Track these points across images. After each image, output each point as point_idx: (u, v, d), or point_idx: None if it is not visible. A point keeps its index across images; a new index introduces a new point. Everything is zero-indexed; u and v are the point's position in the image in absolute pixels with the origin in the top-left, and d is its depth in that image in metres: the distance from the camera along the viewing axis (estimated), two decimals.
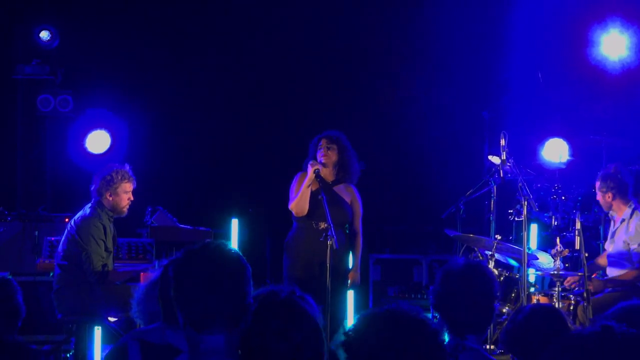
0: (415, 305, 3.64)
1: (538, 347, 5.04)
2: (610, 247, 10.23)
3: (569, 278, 9.70)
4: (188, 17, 13.20)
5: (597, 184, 10.14)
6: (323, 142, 9.52)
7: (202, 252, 3.82)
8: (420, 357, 3.49)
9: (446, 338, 4.32)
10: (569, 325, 5.48)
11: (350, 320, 11.10)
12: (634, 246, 9.88)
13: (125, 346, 4.85)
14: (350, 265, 9.80)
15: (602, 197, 10.11)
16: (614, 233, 10.19)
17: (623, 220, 10.06)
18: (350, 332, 3.61)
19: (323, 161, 9.50)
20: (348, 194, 9.68)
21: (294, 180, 9.59)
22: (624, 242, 9.97)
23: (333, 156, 9.53)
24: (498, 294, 5.00)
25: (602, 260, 10.47)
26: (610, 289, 9.96)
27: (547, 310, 5.50)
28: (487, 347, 9.02)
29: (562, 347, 2.94)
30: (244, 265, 3.86)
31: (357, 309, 11.65)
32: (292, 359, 3.84)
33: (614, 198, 10.05)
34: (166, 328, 4.81)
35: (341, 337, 3.65)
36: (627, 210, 10.05)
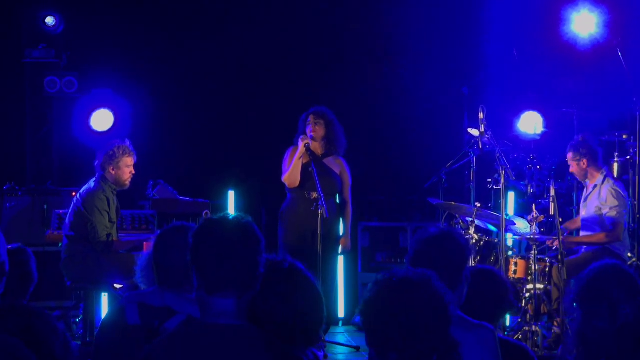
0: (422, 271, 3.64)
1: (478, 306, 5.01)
2: (583, 211, 10.25)
3: (549, 241, 9.73)
4: (186, 2, 13.15)
5: (570, 154, 10.13)
6: (311, 117, 9.56)
7: (221, 221, 3.80)
8: (427, 318, 3.49)
9: None
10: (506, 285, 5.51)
11: (340, 284, 11.13)
12: (605, 210, 9.89)
13: (123, 308, 4.83)
14: (341, 232, 9.82)
15: (577, 165, 10.09)
16: (586, 198, 10.19)
17: (595, 186, 10.06)
18: (365, 299, 3.65)
19: (312, 136, 9.51)
20: (337, 165, 9.70)
21: (286, 154, 9.61)
22: (596, 207, 9.98)
23: (320, 131, 9.56)
24: (469, 257, 4.96)
25: (571, 225, 10.49)
26: (582, 250, 9.98)
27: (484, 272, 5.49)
28: None
29: (629, 308, 2.91)
30: (258, 237, 3.82)
31: (347, 273, 11.68)
32: (294, 321, 3.88)
33: (588, 165, 10.05)
34: (164, 291, 4.79)
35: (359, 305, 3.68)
36: (599, 177, 10.06)
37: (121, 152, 9.22)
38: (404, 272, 3.65)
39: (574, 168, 10.18)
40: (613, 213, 9.83)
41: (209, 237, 3.74)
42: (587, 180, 10.16)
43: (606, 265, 4.55)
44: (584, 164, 10.06)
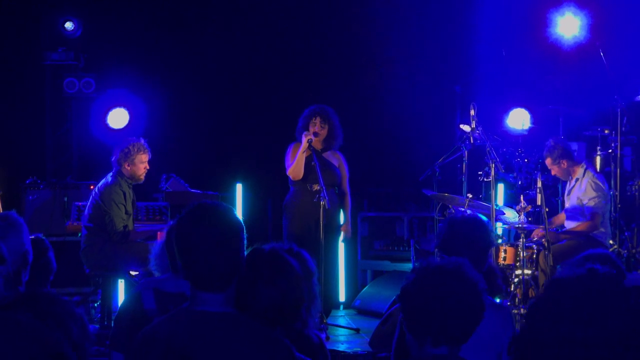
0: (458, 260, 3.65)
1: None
2: (567, 202, 10.31)
3: (535, 231, 9.78)
4: (196, 6, 13.19)
5: (548, 160, 10.20)
6: (318, 119, 9.58)
7: (194, 215, 3.71)
8: (461, 303, 3.53)
9: None
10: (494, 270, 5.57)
11: (341, 271, 11.19)
12: (585, 201, 9.96)
13: (140, 294, 4.88)
14: (342, 221, 9.87)
15: (558, 167, 10.17)
16: (569, 191, 10.25)
17: (577, 179, 10.12)
18: (404, 287, 3.66)
19: (321, 133, 9.57)
20: (335, 159, 9.77)
21: (289, 149, 9.66)
22: (577, 198, 10.04)
23: (325, 131, 9.63)
24: (493, 241, 5.06)
25: (559, 218, 10.53)
26: (566, 239, 10.03)
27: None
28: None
29: (552, 288, 2.96)
30: (240, 227, 3.73)
31: (347, 260, 11.73)
32: (278, 301, 3.90)
33: (568, 164, 10.12)
34: (178, 278, 4.84)
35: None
36: (580, 170, 10.12)
37: (136, 150, 9.28)
38: (439, 261, 3.68)
39: (555, 171, 10.26)
40: (592, 204, 9.90)
41: (185, 233, 3.68)
42: (570, 176, 10.23)
43: (594, 253, 4.63)
44: (563, 164, 10.13)
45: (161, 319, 3.79)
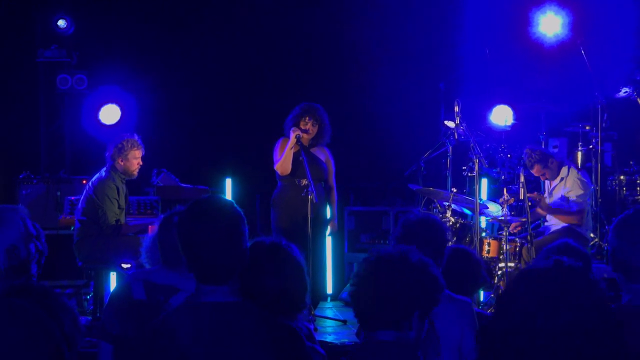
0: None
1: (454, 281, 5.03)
2: (549, 200, 10.28)
3: (513, 224, 9.76)
4: (186, 5, 13.16)
5: (537, 167, 10.14)
6: (309, 120, 9.52)
7: (197, 209, 3.68)
8: (404, 288, 3.54)
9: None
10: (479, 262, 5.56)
11: (329, 264, 11.16)
12: (572, 198, 9.95)
13: (129, 285, 4.84)
14: (329, 216, 9.84)
15: (549, 169, 10.14)
16: (552, 190, 10.23)
17: (562, 179, 10.11)
18: (353, 276, 3.70)
19: (310, 132, 9.52)
20: (322, 153, 9.73)
21: (277, 145, 9.61)
22: (563, 195, 10.03)
23: (314, 129, 9.56)
24: (447, 237, 5.04)
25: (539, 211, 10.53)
26: (549, 229, 10.03)
27: (458, 251, 5.54)
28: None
29: (519, 280, 2.94)
30: (243, 221, 3.71)
31: (335, 253, 11.71)
32: (284, 293, 3.88)
33: (558, 164, 10.12)
34: (167, 270, 4.81)
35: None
36: (564, 169, 10.11)
37: (130, 146, 9.25)
38: (386, 250, 3.67)
39: (547, 174, 10.21)
40: (580, 200, 9.90)
41: (195, 231, 3.64)
42: (557, 175, 10.21)
43: (555, 246, 4.63)
44: (552, 163, 10.12)
45: (168, 312, 3.79)
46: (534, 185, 11.73)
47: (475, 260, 5.65)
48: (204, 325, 3.55)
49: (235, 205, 3.76)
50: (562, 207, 10.11)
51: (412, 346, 3.59)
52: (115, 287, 5.36)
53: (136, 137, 9.37)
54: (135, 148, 9.30)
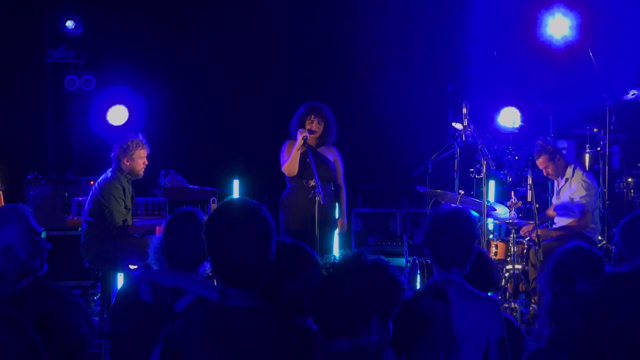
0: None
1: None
2: (557, 201, 10.25)
3: (524, 228, 9.72)
4: (194, 5, 13.17)
5: (544, 157, 10.07)
6: (315, 117, 9.50)
7: (225, 213, 3.65)
8: (358, 294, 3.46)
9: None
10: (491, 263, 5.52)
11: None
12: (577, 199, 9.90)
13: (136, 286, 4.82)
14: (337, 216, 9.82)
15: (554, 164, 10.08)
16: (559, 190, 10.20)
17: (567, 179, 10.07)
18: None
19: (314, 132, 9.49)
20: (330, 153, 9.70)
21: (283, 146, 9.59)
22: (569, 197, 9.99)
23: (321, 128, 9.53)
24: (478, 234, 4.97)
25: (550, 212, 10.49)
26: (558, 235, 9.98)
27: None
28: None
29: (611, 279, 2.92)
30: (268, 222, 3.67)
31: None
32: (301, 290, 3.85)
33: (563, 160, 10.08)
34: (174, 272, 4.79)
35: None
36: (569, 170, 10.07)
37: (135, 145, 9.23)
38: (340, 256, 3.62)
39: (550, 168, 10.14)
40: (583, 202, 9.85)
41: (224, 236, 3.61)
42: (561, 175, 10.17)
43: (568, 248, 4.58)
44: (559, 160, 10.07)
45: (191, 316, 3.77)
46: (542, 187, 11.71)
47: (489, 261, 5.63)
48: (230, 329, 3.54)
49: (264, 208, 3.72)
50: (564, 214, 10.08)
51: (373, 352, 3.52)
52: (122, 287, 5.34)
53: (141, 137, 9.36)
54: (141, 147, 9.29)
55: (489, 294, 5.21)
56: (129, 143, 9.23)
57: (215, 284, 5.43)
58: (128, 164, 9.23)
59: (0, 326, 2.58)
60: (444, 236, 4.72)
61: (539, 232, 9.34)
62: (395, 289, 3.56)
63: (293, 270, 3.92)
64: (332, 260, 3.56)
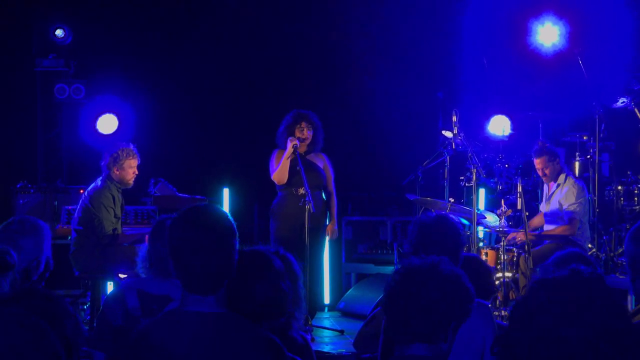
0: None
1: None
2: (546, 207, 10.29)
3: (510, 234, 9.74)
4: (182, 15, 13.18)
5: (542, 159, 10.10)
6: (304, 124, 9.54)
7: (186, 218, 3.64)
8: (439, 301, 3.47)
9: None
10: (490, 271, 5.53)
11: (326, 274, 11.14)
12: (565, 206, 9.93)
13: (123, 294, 4.83)
14: (328, 222, 9.84)
15: (552, 166, 10.11)
16: (550, 196, 10.22)
17: (559, 185, 10.09)
18: (386, 291, 3.59)
19: (308, 138, 9.52)
20: (320, 160, 9.75)
21: (273, 155, 9.64)
22: (559, 202, 10.02)
23: (311, 135, 9.57)
24: (464, 240, 4.98)
25: (536, 220, 10.51)
26: (547, 241, 10.01)
27: (470, 259, 5.51)
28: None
29: (538, 289, 2.93)
30: (233, 231, 3.65)
31: (332, 263, 11.69)
32: (272, 298, 3.87)
33: (560, 163, 10.10)
34: (162, 280, 4.80)
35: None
36: (562, 176, 10.10)
37: (125, 155, 9.23)
38: (417, 261, 3.62)
39: (548, 170, 10.16)
40: (571, 209, 9.88)
41: (183, 240, 3.59)
42: (554, 179, 10.20)
43: (568, 252, 4.60)
44: (557, 163, 10.10)
45: (152, 321, 3.73)
46: (532, 195, 11.75)
47: (486, 268, 5.66)
48: (187, 335, 3.52)
49: (229, 216, 3.70)
50: (553, 221, 10.11)
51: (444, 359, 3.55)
52: (109, 295, 5.35)
53: (132, 147, 9.36)
54: (131, 157, 9.30)
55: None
56: (119, 152, 9.23)
57: None
58: (118, 173, 9.24)
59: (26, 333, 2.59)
60: (431, 244, 4.71)
61: (521, 236, 9.37)
62: (472, 300, 3.59)
63: (260, 274, 3.90)
64: (409, 265, 3.57)
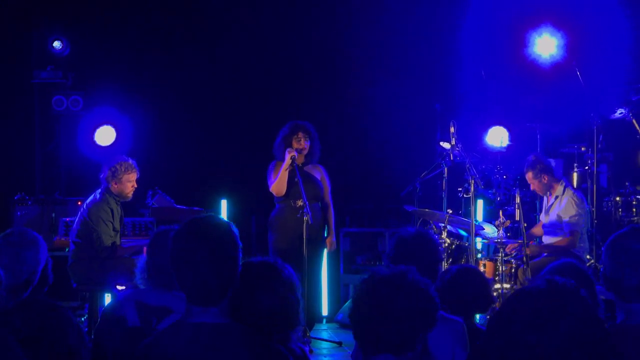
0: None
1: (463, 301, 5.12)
2: (545, 219, 10.28)
3: (509, 245, 9.74)
4: (180, 27, 13.19)
5: (530, 174, 10.15)
6: (301, 134, 9.56)
7: (189, 229, 3.64)
8: (404, 310, 3.48)
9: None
10: (488, 282, 5.62)
11: (324, 285, 11.14)
12: (565, 218, 9.93)
13: (121, 305, 4.82)
14: (326, 234, 9.85)
15: (539, 182, 10.12)
16: (549, 208, 10.22)
17: (557, 197, 10.09)
18: (353, 299, 3.62)
19: (305, 148, 9.54)
20: (317, 171, 9.76)
21: (270, 167, 9.66)
22: (557, 215, 10.01)
23: (307, 146, 9.59)
24: (441, 255, 5.03)
25: (536, 230, 10.52)
26: (545, 253, 10.00)
27: (469, 270, 5.61)
28: None
29: (513, 298, 2.96)
30: (232, 239, 3.64)
31: (330, 275, 11.69)
32: (279, 309, 3.86)
33: (548, 179, 10.09)
34: (160, 291, 4.79)
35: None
36: (560, 188, 10.10)
37: (124, 169, 9.20)
38: (385, 270, 3.63)
39: (535, 186, 10.20)
40: (572, 220, 9.87)
41: (186, 251, 3.59)
42: (549, 192, 10.19)
43: (561, 264, 4.63)
44: (544, 179, 10.10)
45: (157, 333, 3.74)
46: (530, 206, 11.75)
47: (485, 280, 5.68)
48: (191, 346, 3.52)
49: (232, 226, 3.69)
50: (552, 233, 10.10)
51: None
52: (107, 307, 5.34)
53: (131, 161, 9.33)
54: (130, 171, 9.27)
55: (477, 316, 5.24)
56: (118, 166, 9.20)
57: None
58: (117, 186, 9.22)
59: None
60: (409, 258, 4.70)
61: (528, 249, 9.37)
62: (438, 310, 3.60)
63: (269, 286, 3.89)
64: (378, 274, 3.57)
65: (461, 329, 4.72)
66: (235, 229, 3.70)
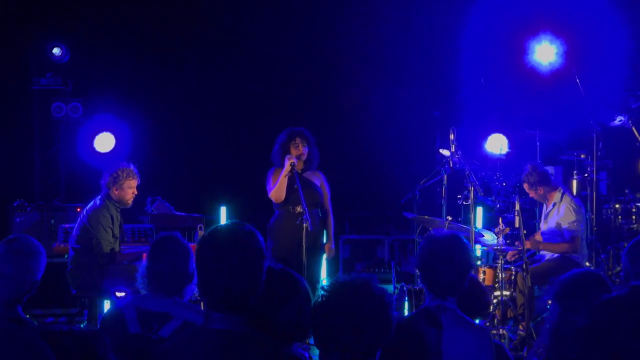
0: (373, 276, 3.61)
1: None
2: (544, 226, 10.29)
3: (510, 252, 9.74)
4: (179, 35, 13.20)
5: (526, 186, 10.18)
6: (299, 140, 9.55)
7: (214, 237, 3.64)
8: (363, 318, 3.51)
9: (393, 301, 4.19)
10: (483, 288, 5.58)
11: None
12: (565, 225, 9.93)
13: (122, 310, 4.82)
14: (325, 241, 9.84)
15: (535, 193, 10.15)
16: (547, 215, 10.23)
17: (555, 204, 10.10)
18: (313, 304, 3.68)
19: (303, 154, 9.54)
20: (317, 178, 9.74)
21: (269, 174, 9.62)
22: (556, 222, 10.01)
23: (306, 151, 9.58)
24: (473, 263, 4.93)
25: (537, 237, 10.52)
26: (544, 257, 10.01)
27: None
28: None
29: (601, 306, 2.97)
30: (257, 248, 3.65)
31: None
32: (296, 319, 3.86)
33: (544, 190, 10.10)
34: (161, 297, 4.79)
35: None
36: (557, 195, 10.11)
37: (125, 175, 9.19)
38: (346, 277, 3.63)
39: (532, 195, 10.24)
40: (572, 227, 9.87)
41: (210, 259, 3.58)
42: (547, 200, 10.22)
43: (588, 271, 4.59)
44: (540, 191, 10.12)
45: (176, 338, 3.75)
46: (530, 213, 11.75)
47: (482, 287, 5.65)
48: (210, 352, 3.52)
49: (258, 235, 3.70)
50: (552, 239, 10.11)
51: None
52: (107, 312, 5.34)
53: (132, 167, 9.32)
54: (131, 178, 9.26)
55: (477, 320, 5.22)
56: (119, 172, 9.19)
57: (201, 307, 5.46)
58: (117, 193, 9.20)
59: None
60: (442, 264, 4.64)
61: (528, 244, 9.38)
62: (392, 324, 3.61)
63: (287, 296, 3.88)
64: (340, 281, 3.58)
65: (487, 335, 4.66)
66: (260, 238, 3.70)
